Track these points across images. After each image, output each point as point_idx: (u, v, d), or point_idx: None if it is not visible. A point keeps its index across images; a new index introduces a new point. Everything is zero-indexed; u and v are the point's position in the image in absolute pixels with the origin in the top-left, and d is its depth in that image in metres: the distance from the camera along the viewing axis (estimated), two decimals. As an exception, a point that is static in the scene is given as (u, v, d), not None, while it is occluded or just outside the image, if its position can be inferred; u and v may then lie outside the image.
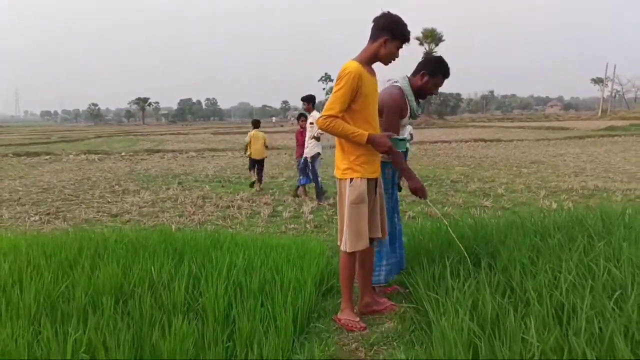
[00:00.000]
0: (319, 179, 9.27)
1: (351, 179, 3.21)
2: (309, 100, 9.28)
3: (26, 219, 8.00)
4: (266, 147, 11.17)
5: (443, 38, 69.56)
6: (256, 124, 11.55)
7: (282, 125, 70.25)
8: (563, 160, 16.10)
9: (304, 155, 9.35)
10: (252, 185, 10.86)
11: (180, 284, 3.42)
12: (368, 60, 3.21)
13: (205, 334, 2.80)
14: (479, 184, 10.99)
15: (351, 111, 3.14)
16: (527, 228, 4.26)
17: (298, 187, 9.89)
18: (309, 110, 9.32)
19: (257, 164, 10.95)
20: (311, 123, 9.13)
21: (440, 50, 70.18)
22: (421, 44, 68.95)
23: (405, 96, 3.59)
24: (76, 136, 44.31)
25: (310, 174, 9.30)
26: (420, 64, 3.72)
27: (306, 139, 9.32)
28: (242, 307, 3.13)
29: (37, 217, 8.08)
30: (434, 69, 3.64)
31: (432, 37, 68.86)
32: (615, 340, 2.17)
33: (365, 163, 3.21)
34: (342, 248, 3.31)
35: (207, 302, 3.16)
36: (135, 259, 4.04)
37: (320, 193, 9.22)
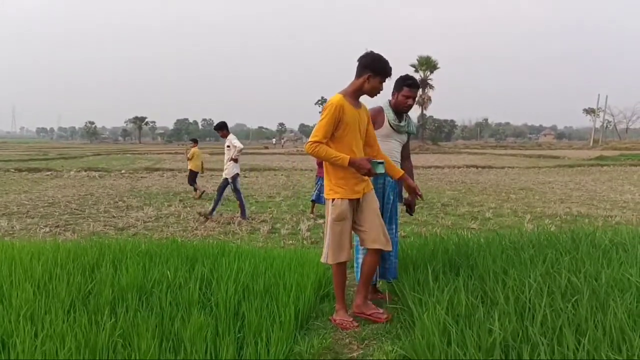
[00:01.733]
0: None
1: (333, 199, 3.62)
2: (222, 127, 9.81)
3: (37, 230, 8.41)
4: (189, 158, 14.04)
5: (438, 66, 70.87)
6: (196, 142, 14.64)
7: (281, 146, 77.91)
8: (551, 187, 16.64)
9: (223, 176, 9.78)
10: (200, 196, 13.13)
11: (194, 285, 3.86)
12: (352, 93, 3.63)
13: (219, 326, 3.24)
14: (468, 207, 11.47)
15: (335, 138, 3.54)
16: (504, 245, 4.75)
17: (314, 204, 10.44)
18: (225, 137, 9.79)
19: (195, 176, 13.77)
20: (228, 146, 9.65)
21: (435, 78, 71.55)
22: (416, 70, 70.22)
23: (382, 111, 4.21)
24: (74, 153, 44.72)
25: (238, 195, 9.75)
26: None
27: (225, 160, 9.78)
28: (250, 305, 3.57)
29: (47, 229, 8.49)
30: (395, 86, 4.23)
31: (427, 64, 70.13)
32: (564, 330, 2.63)
33: (346, 185, 3.58)
34: (322, 260, 3.73)
35: (220, 300, 3.61)
36: (152, 264, 4.48)
37: (243, 210, 9.72)
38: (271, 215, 10.11)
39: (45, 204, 11.73)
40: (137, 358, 2.69)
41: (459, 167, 26.94)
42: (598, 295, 3.19)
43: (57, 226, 8.81)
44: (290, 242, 7.57)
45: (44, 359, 2.70)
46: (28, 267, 4.27)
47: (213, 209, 9.79)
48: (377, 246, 3.61)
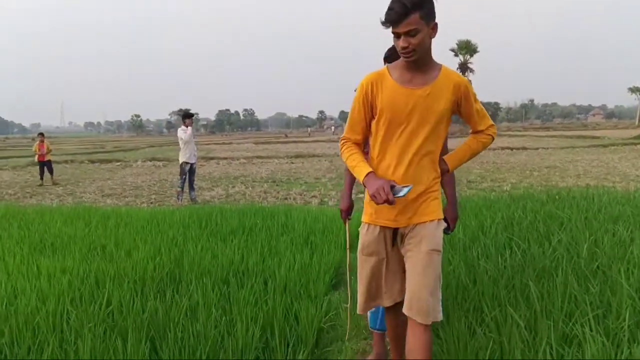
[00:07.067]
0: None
1: (363, 222, 2.51)
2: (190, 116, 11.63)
3: (138, 205, 10.70)
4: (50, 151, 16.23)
5: (478, 49, 71.11)
6: (42, 135, 16.69)
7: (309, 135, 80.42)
8: (575, 165, 17.91)
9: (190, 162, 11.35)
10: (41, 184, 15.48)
11: (277, 227, 5.93)
12: (402, 62, 2.34)
13: (297, 243, 5.26)
14: (490, 183, 13.14)
15: (374, 134, 2.45)
16: (487, 198, 6.62)
17: None
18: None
19: (46, 165, 15.81)
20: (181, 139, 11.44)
21: (476, 61, 71.80)
22: (456, 55, 70.79)
23: None
24: (128, 146, 48.11)
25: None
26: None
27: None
28: (315, 236, 5.59)
29: (145, 204, 10.77)
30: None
31: (467, 48, 70.43)
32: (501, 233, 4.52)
33: (376, 205, 2.33)
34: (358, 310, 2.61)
35: (295, 234, 5.65)
36: (244, 217, 6.58)
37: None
38: (320, 193, 12.11)
39: (131, 188, 14.13)
40: (256, 256, 4.73)
41: (493, 149, 28.14)
42: (537, 224, 5.04)
43: (151, 202, 11.10)
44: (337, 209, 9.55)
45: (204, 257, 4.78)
46: (166, 217, 6.44)
47: (181, 193, 11.18)
48: (409, 313, 2.33)
